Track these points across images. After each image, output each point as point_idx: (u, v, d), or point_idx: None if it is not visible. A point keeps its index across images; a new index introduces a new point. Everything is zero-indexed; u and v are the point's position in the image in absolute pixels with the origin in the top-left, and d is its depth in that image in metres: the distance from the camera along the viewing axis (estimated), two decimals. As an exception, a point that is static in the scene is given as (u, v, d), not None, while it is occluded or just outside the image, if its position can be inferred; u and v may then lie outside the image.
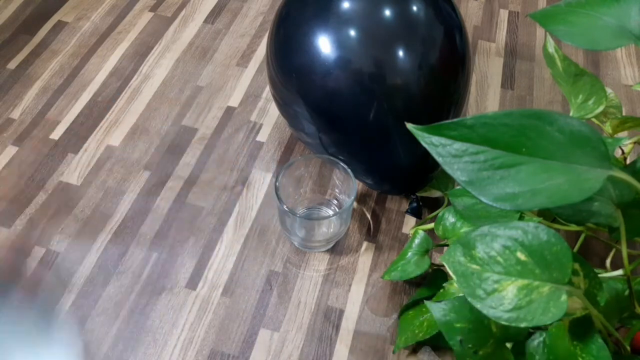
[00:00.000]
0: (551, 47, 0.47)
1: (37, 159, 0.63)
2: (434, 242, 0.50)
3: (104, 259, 0.55)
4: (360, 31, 0.47)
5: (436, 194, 0.56)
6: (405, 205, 0.60)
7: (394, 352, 0.49)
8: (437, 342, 0.49)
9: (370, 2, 0.48)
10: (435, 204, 0.59)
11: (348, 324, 0.51)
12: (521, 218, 0.42)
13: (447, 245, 0.49)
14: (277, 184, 0.50)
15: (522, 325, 0.28)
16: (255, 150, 0.64)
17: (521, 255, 0.30)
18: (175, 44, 0.76)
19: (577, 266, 0.31)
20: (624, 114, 0.55)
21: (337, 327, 0.51)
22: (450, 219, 0.47)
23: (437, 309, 0.41)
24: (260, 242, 0.56)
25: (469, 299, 0.30)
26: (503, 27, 0.80)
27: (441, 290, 0.49)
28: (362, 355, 0.50)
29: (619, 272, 0.38)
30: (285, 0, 0.55)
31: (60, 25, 0.78)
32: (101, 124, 0.67)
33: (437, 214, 0.49)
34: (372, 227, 0.58)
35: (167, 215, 0.58)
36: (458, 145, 0.27)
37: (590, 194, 0.26)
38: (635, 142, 0.48)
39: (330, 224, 0.54)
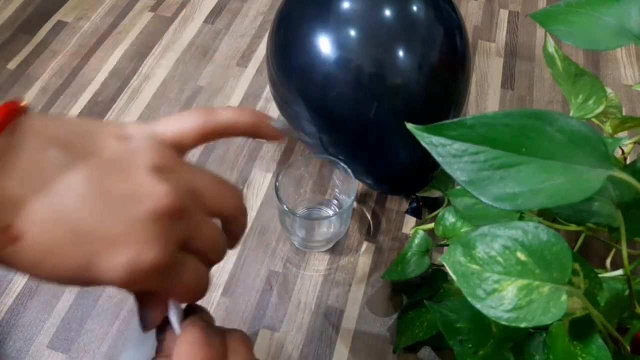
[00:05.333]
0: (551, 47, 0.47)
1: (37, 159, 0.63)
2: (434, 242, 0.50)
3: (104, 259, 0.55)
4: (360, 31, 0.47)
5: (436, 194, 0.56)
6: (405, 205, 0.60)
7: (394, 352, 0.49)
8: (437, 342, 0.49)
9: (370, 2, 0.48)
10: (435, 204, 0.59)
11: (348, 324, 0.51)
12: (521, 218, 0.42)
13: (447, 245, 0.49)
14: (277, 184, 0.50)
15: (522, 325, 0.28)
16: (255, 151, 0.64)
17: (521, 255, 0.30)
18: (175, 44, 0.76)
19: (577, 266, 0.31)
20: (624, 114, 0.55)
21: (337, 327, 0.51)
22: (450, 219, 0.47)
23: (437, 309, 0.41)
24: (260, 242, 0.56)
25: (469, 299, 0.30)
26: (503, 27, 0.80)
27: (441, 290, 0.49)
28: (362, 355, 0.49)
29: (619, 272, 0.38)
30: (285, 0, 0.55)
31: (60, 25, 0.78)
32: (101, 124, 0.67)
33: (437, 214, 0.49)
34: (372, 227, 0.58)
35: (167, 215, 0.58)
36: (458, 145, 0.27)
37: (590, 194, 0.26)
38: (635, 142, 0.48)
39: (330, 224, 0.54)
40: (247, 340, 0.24)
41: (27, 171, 0.19)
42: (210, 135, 0.25)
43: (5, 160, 0.19)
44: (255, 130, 0.27)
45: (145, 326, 0.23)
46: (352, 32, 0.47)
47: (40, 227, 0.19)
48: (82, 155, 0.21)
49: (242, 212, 0.26)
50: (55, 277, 0.20)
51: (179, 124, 0.25)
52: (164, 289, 0.22)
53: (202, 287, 0.24)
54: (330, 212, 0.57)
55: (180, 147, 0.25)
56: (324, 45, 0.48)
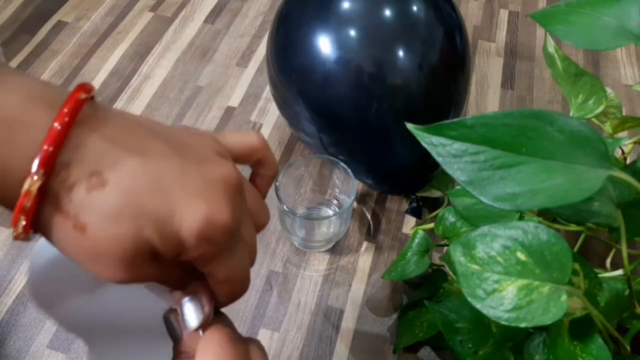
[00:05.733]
0: (551, 47, 0.47)
1: (37, 159, 0.63)
2: (434, 242, 0.50)
3: (104, 259, 0.55)
4: (361, 31, 0.47)
5: (436, 194, 0.56)
6: (405, 205, 0.60)
7: (394, 352, 0.49)
8: (437, 342, 0.49)
9: (370, 2, 0.48)
10: (435, 204, 0.59)
11: (348, 324, 0.51)
12: (521, 218, 0.42)
13: (447, 245, 0.49)
14: (277, 184, 0.50)
15: (522, 325, 0.28)
16: (255, 150, 0.64)
17: (521, 255, 0.30)
18: (175, 44, 0.76)
19: (577, 266, 0.31)
20: (624, 114, 0.55)
21: (337, 327, 0.51)
22: (450, 219, 0.47)
23: (437, 309, 0.41)
24: (260, 242, 0.56)
25: (469, 299, 0.30)
26: (503, 27, 0.80)
27: (441, 290, 0.49)
28: (362, 355, 0.49)
29: (619, 272, 0.38)
30: (285, 0, 0.55)
31: (60, 25, 0.78)
32: (101, 124, 0.67)
33: (437, 214, 0.49)
34: (372, 227, 0.58)
35: (167, 215, 0.58)
36: (458, 145, 0.27)
37: (590, 194, 0.26)
38: (635, 142, 0.48)
39: (330, 224, 0.54)
40: (264, 351, 0.26)
41: (119, 133, 0.21)
42: (249, 160, 0.28)
43: (99, 124, 0.21)
44: (269, 179, 0.30)
45: (183, 329, 0.24)
46: (352, 32, 0.47)
47: (128, 175, 0.21)
48: (159, 135, 0.23)
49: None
50: (134, 229, 0.20)
51: (236, 138, 0.27)
52: (221, 265, 0.23)
53: (246, 282, 0.25)
54: (330, 212, 0.57)
55: None
56: (324, 45, 0.48)
